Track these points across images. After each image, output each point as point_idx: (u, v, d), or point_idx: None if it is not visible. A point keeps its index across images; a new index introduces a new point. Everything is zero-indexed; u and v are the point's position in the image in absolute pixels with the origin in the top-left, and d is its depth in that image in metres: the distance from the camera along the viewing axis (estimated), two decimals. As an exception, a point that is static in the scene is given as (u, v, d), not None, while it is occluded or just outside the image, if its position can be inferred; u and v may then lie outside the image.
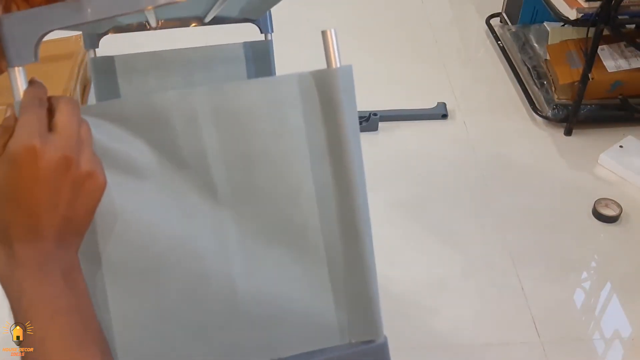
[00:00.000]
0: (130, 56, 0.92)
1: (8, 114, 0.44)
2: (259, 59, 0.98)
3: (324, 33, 0.54)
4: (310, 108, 0.55)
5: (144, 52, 0.93)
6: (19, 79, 0.45)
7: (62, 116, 0.43)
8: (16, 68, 0.44)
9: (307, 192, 0.56)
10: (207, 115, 0.53)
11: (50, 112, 0.43)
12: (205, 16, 0.86)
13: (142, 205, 0.51)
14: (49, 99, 0.45)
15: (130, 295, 0.53)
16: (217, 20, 0.91)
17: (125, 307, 0.53)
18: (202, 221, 0.55)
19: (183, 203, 0.54)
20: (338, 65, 0.55)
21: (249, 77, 0.99)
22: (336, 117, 0.54)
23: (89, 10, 0.43)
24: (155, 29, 0.89)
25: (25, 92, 0.44)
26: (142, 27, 0.90)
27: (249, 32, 1.01)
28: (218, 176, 0.55)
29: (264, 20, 0.97)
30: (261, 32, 0.98)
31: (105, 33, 0.92)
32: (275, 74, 1.00)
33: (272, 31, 0.99)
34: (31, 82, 0.45)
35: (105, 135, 0.49)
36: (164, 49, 0.94)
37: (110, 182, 0.47)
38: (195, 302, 0.55)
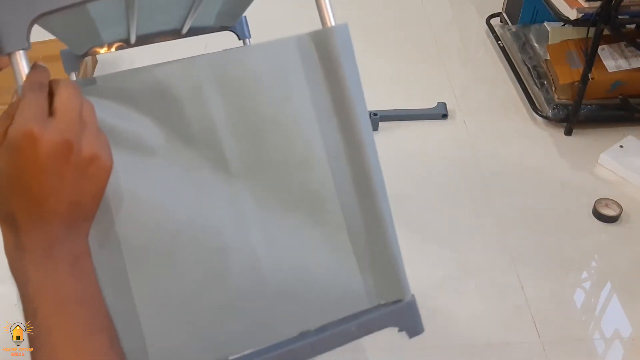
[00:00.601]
0: (111, 75, 0.91)
1: (13, 99, 0.43)
2: None
3: None
4: (311, 70, 0.54)
5: (125, 70, 0.92)
6: (21, 63, 0.43)
7: (61, 99, 0.42)
8: (17, 52, 0.43)
9: (319, 156, 0.56)
10: (212, 84, 0.52)
11: (52, 96, 0.43)
12: (182, 28, 0.84)
13: (153, 184, 0.50)
14: (50, 82, 0.44)
15: (152, 278, 0.51)
16: (194, 32, 0.88)
17: (148, 291, 0.52)
18: (216, 195, 0.54)
19: (195, 178, 0.53)
20: (332, 24, 0.55)
21: None
22: (337, 76, 0.54)
23: None
24: (133, 46, 0.87)
25: (27, 76, 0.43)
26: (121, 46, 0.88)
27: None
28: (228, 147, 0.54)
29: (240, 26, 0.97)
30: (239, 39, 0.98)
31: (85, 55, 0.90)
32: None
33: (250, 36, 0.98)
34: (33, 67, 0.44)
35: (110, 114, 0.48)
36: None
37: (119, 163, 0.46)
38: (218, 278, 0.54)
